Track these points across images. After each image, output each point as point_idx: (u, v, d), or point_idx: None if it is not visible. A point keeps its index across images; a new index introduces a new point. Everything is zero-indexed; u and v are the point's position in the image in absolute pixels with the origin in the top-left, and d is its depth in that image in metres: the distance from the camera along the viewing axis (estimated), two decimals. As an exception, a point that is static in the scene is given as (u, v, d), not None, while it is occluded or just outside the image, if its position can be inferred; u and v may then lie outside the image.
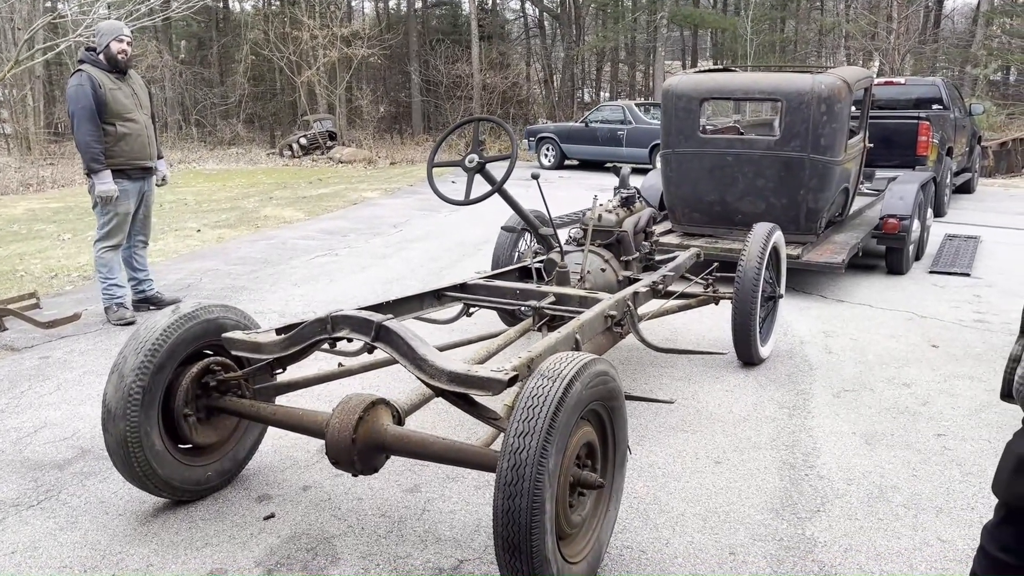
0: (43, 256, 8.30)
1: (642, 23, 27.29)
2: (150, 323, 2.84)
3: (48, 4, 21.92)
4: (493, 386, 2.43)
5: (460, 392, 2.51)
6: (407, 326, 2.70)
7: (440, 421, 3.73)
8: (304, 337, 2.81)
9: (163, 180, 5.65)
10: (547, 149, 17.64)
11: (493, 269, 4.77)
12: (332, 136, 22.16)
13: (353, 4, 31.40)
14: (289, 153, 21.72)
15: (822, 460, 3.35)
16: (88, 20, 6.59)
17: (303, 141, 21.66)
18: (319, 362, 3.97)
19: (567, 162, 17.66)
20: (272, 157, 22.13)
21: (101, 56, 5.18)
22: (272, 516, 2.90)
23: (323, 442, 3.39)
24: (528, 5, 31.61)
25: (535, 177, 3.68)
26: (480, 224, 9.48)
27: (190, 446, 2.96)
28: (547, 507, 2.11)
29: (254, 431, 3.22)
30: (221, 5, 28.16)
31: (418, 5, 29.91)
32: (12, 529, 2.81)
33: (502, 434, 2.76)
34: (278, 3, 26.09)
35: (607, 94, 31.15)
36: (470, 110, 24.91)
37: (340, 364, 3.39)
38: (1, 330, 5.16)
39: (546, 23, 30.93)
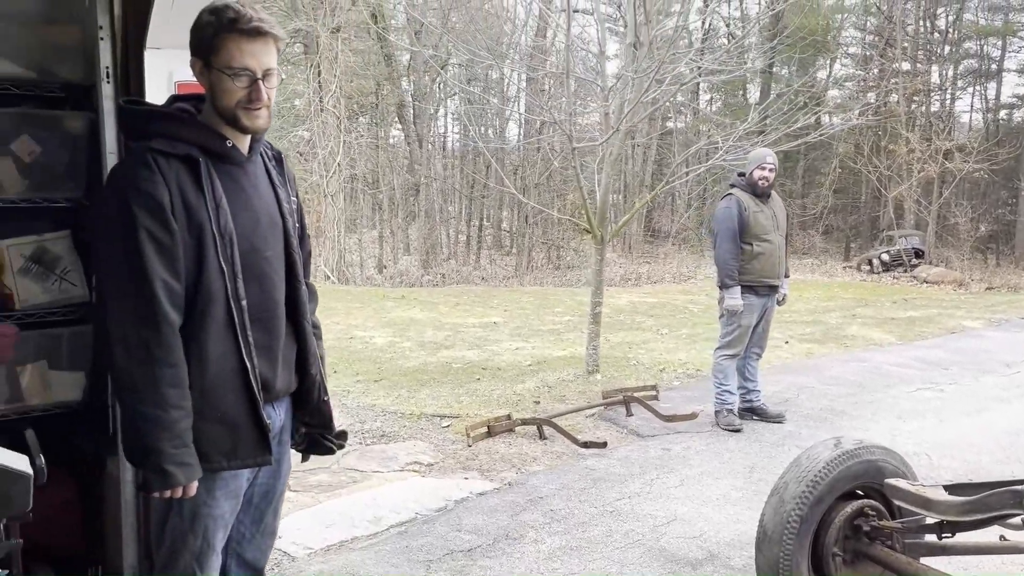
0: (647, 348, 9.32)
1: None
2: (812, 454, 2.87)
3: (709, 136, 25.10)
4: None
5: None
6: None
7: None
8: (989, 506, 2.51)
9: (783, 299, 5.86)
10: None
11: None
12: (918, 254, 20.75)
13: (956, 115, 29.29)
14: (867, 268, 20.99)
15: None
16: (738, 147, 7.31)
17: (885, 257, 20.73)
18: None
19: None
20: (848, 271, 21.64)
21: (746, 181, 5.64)
22: None
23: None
24: None
25: None
26: None
27: (832, 587, 2.88)
28: None
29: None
30: (814, 121, 28.98)
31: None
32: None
33: None
34: (873, 116, 25.74)
35: None
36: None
37: (1002, 537, 2.96)
38: (628, 415, 5.87)
39: None
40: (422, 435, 5.51)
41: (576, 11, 10.77)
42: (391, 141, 26.58)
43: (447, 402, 6.46)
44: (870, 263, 21.05)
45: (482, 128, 23.02)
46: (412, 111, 24.83)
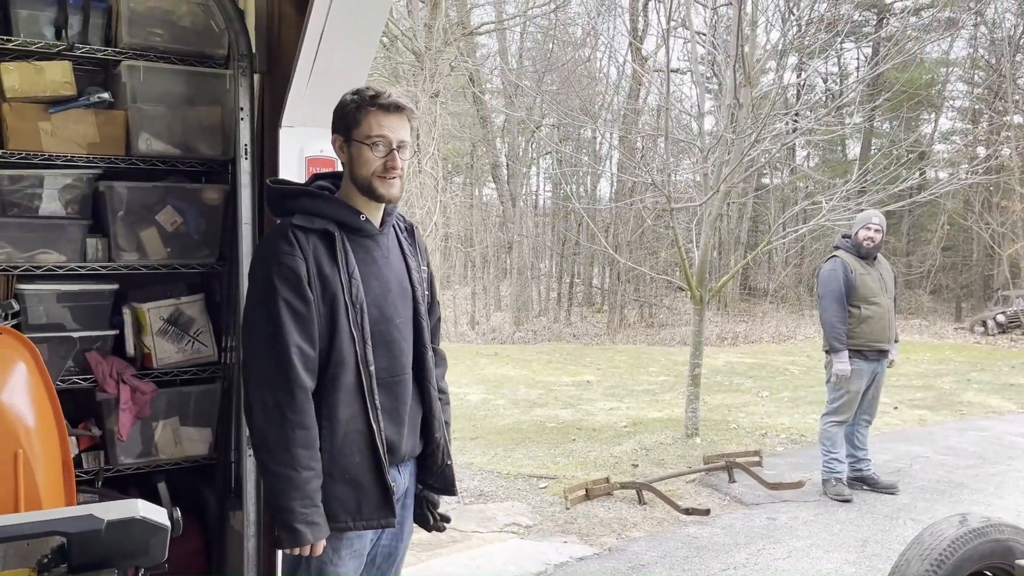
0: (747, 411, 9.06)
1: None
2: (935, 531, 2.74)
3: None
4: None
5: None
6: None
7: None
8: None
9: (890, 363, 5.64)
10: None
11: None
12: (1037, 315, 19.55)
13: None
14: (981, 330, 19.89)
15: None
16: (839, 207, 7.18)
17: (1000, 318, 19.60)
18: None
19: None
20: (960, 332, 20.57)
21: (851, 242, 5.51)
22: None
23: None
24: None
25: None
26: None
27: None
28: None
29: None
30: (918, 175, 28.04)
31: None
32: None
33: None
34: (983, 172, 24.70)
35: None
36: None
37: None
38: (731, 482, 5.71)
39: None
40: (519, 496, 5.51)
41: (673, 71, 10.89)
42: (484, 200, 27.13)
43: (543, 462, 6.44)
44: (984, 324, 19.93)
45: (574, 186, 23.24)
46: (506, 171, 25.33)
